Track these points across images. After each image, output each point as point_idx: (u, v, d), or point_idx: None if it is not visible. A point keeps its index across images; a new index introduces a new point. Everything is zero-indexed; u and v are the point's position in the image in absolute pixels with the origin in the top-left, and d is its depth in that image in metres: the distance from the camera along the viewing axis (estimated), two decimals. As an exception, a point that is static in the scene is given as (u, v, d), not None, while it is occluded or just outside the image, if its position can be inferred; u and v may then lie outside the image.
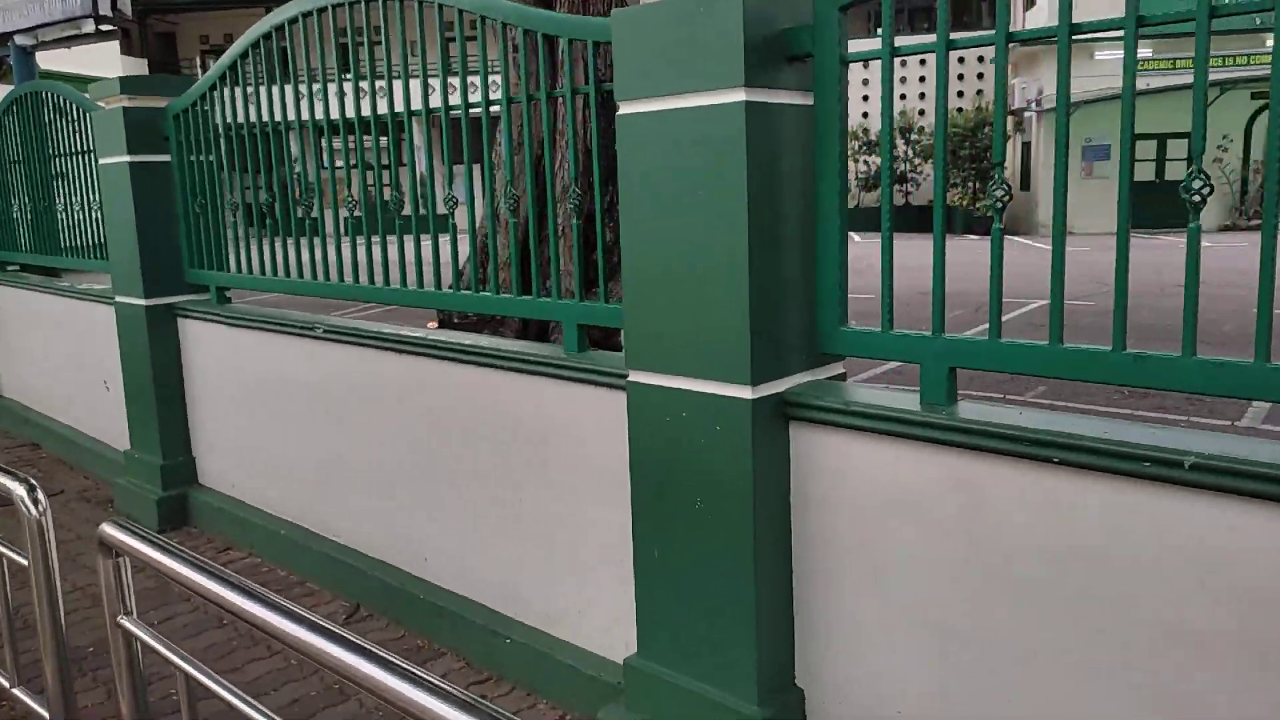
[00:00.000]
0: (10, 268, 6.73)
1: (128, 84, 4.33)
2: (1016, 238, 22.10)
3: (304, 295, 3.97)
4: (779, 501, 2.30)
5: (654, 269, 2.36)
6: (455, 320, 5.46)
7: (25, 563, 2.05)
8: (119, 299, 4.67)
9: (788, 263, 2.23)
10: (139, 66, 33.06)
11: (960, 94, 27.55)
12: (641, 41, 2.29)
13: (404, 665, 1.19)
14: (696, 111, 2.19)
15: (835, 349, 2.28)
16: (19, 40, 7.64)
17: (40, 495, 2.02)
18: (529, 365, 2.92)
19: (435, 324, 9.72)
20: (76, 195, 5.34)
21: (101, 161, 4.59)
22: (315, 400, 3.83)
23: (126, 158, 4.37)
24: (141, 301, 4.49)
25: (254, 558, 4.17)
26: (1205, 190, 1.71)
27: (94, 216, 5.18)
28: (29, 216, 6.11)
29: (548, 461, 2.92)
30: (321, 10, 3.50)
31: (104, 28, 7.16)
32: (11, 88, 10.84)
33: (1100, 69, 21.92)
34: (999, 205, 2.02)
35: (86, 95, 4.85)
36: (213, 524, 4.49)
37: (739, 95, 2.10)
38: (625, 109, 2.38)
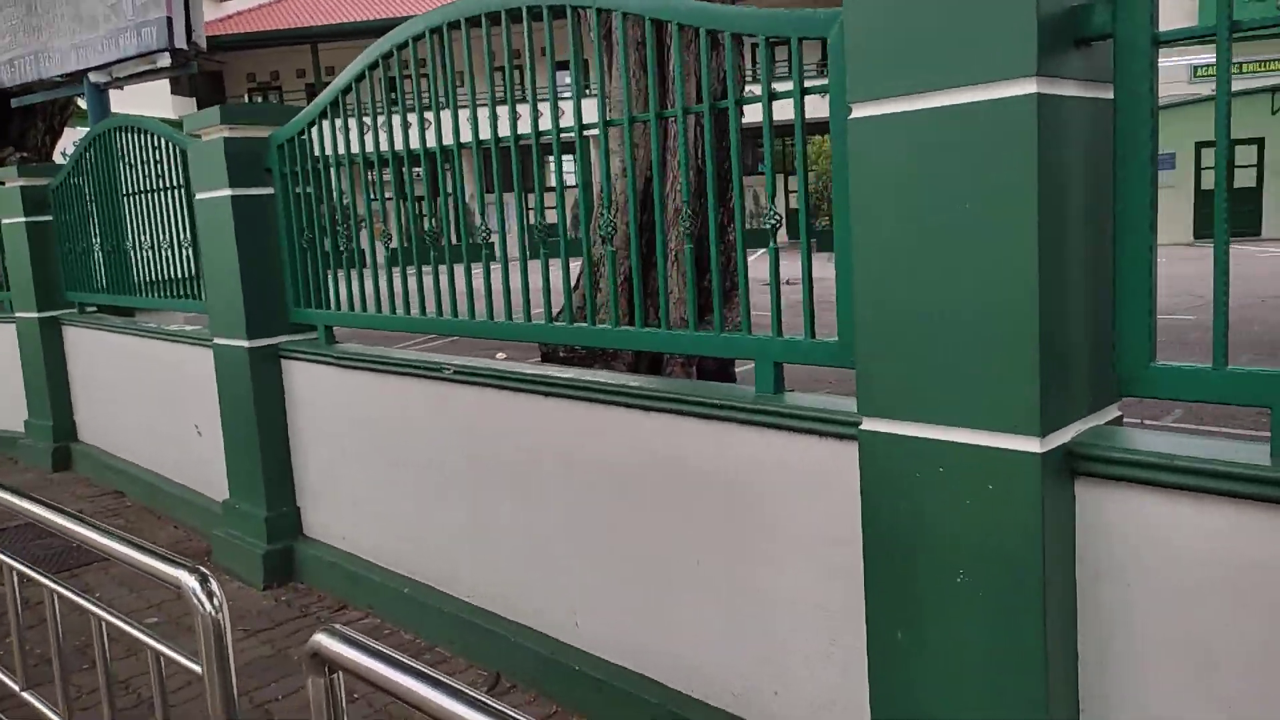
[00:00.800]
0: (88, 309, 6.54)
1: (228, 113, 4.08)
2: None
3: (421, 333, 3.68)
4: (1065, 576, 1.92)
5: (899, 298, 2.00)
6: (561, 354, 5.14)
7: (198, 670, 1.73)
8: (218, 340, 4.41)
9: (1081, 288, 1.86)
10: (189, 105, 33.54)
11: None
12: (888, 28, 1.95)
13: None
14: (966, 110, 1.83)
15: (1142, 391, 1.90)
16: (93, 78, 7.53)
17: (215, 588, 1.69)
18: (713, 410, 2.57)
19: (504, 355, 9.46)
20: (164, 233, 5.12)
21: (199, 196, 4.34)
22: (442, 447, 3.51)
23: (228, 191, 4.12)
24: (244, 343, 4.22)
25: (373, 618, 3.84)
26: None
27: (182, 255, 4.96)
28: (109, 256, 5.91)
29: (736, 520, 2.56)
30: (454, 25, 3.21)
31: (178, 60, 7.00)
32: (83, 129, 10.77)
33: (1162, 75, 21.35)
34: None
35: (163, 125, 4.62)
36: (323, 580, 4.18)
37: (1028, 87, 1.74)
38: (860, 112, 2.03)
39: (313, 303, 4.17)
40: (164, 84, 33.49)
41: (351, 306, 3.95)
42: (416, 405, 3.59)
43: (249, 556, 4.31)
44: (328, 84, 4.08)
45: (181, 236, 4.92)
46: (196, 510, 5.07)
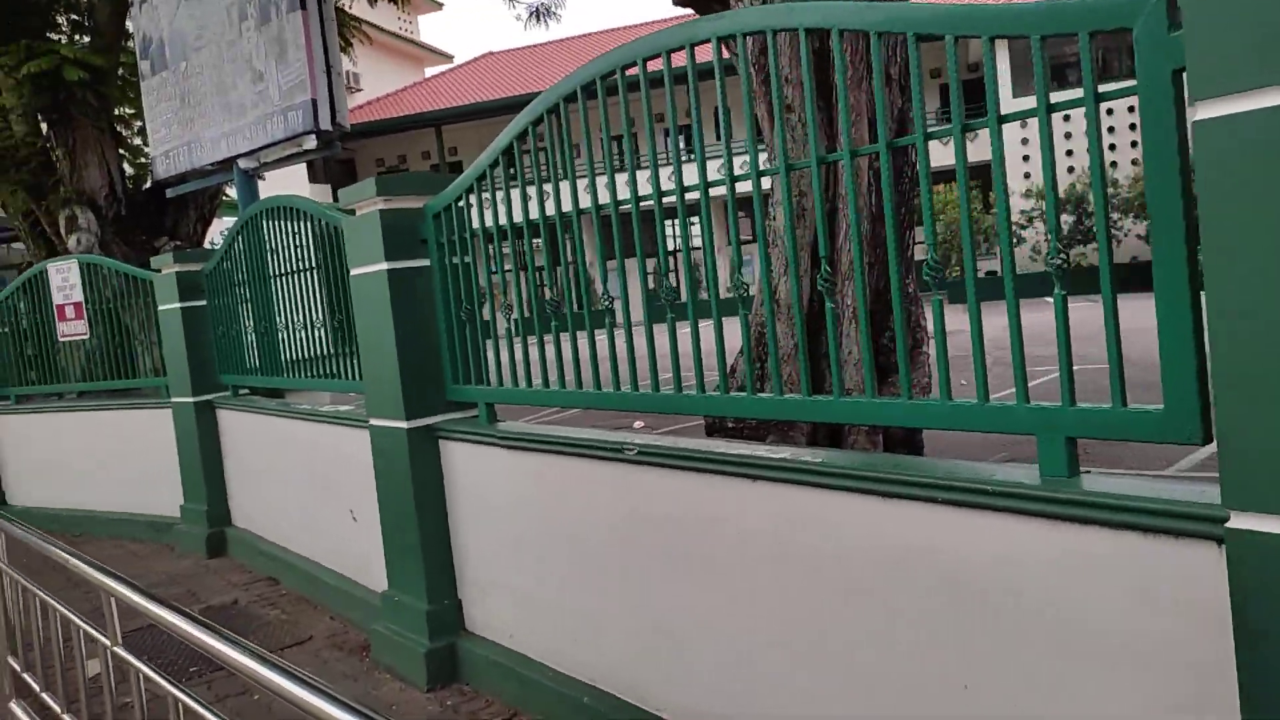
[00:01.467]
0: (241, 391, 6.52)
1: (384, 185, 3.88)
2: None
3: (583, 407, 3.33)
4: None
5: (1288, 353, 1.50)
6: (730, 424, 4.71)
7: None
8: (374, 422, 4.18)
9: None
10: (324, 193, 35.27)
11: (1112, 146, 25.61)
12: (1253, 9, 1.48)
13: None
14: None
15: None
16: (242, 164, 7.67)
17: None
18: (988, 498, 2.08)
19: (641, 424, 9.00)
20: (317, 313, 4.98)
21: (355, 272, 4.15)
22: (625, 537, 3.11)
23: (384, 265, 3.91)
24: (401, 424, 3.96)
25: (549, 730, 3.44)
26: None
27: (335, 334, 4.80)
28: (261, 338, 5.86)
29: (1021, 635, 2.05)
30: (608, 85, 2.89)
31: (322, 141, 7.03)
32: (229, 219, 11.13)
33: None
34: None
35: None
36: (489, 682, 3.81)
37: None
38: (1210, 111, 1.56)
39: (472, 378, 3.89)
40: (301, 174, 35.29)
41: (515, 381, 3.64)
42: (594, 490, 3.22)
43: (410, 654, 3.99)
44: (453, 164, 3.97)
45: (336, 315, 4.76)
46: (353, 601, 4.82)
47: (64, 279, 7.75)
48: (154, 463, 7.24)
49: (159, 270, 6.81)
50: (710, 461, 2.73)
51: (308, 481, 5.36)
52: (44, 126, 10.32)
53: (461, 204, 3.78)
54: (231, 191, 13.65)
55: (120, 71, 10.20)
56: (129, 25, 8.43)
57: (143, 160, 12.09)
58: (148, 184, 11.42)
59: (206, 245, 11.94)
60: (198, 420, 6.63)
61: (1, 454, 8.63)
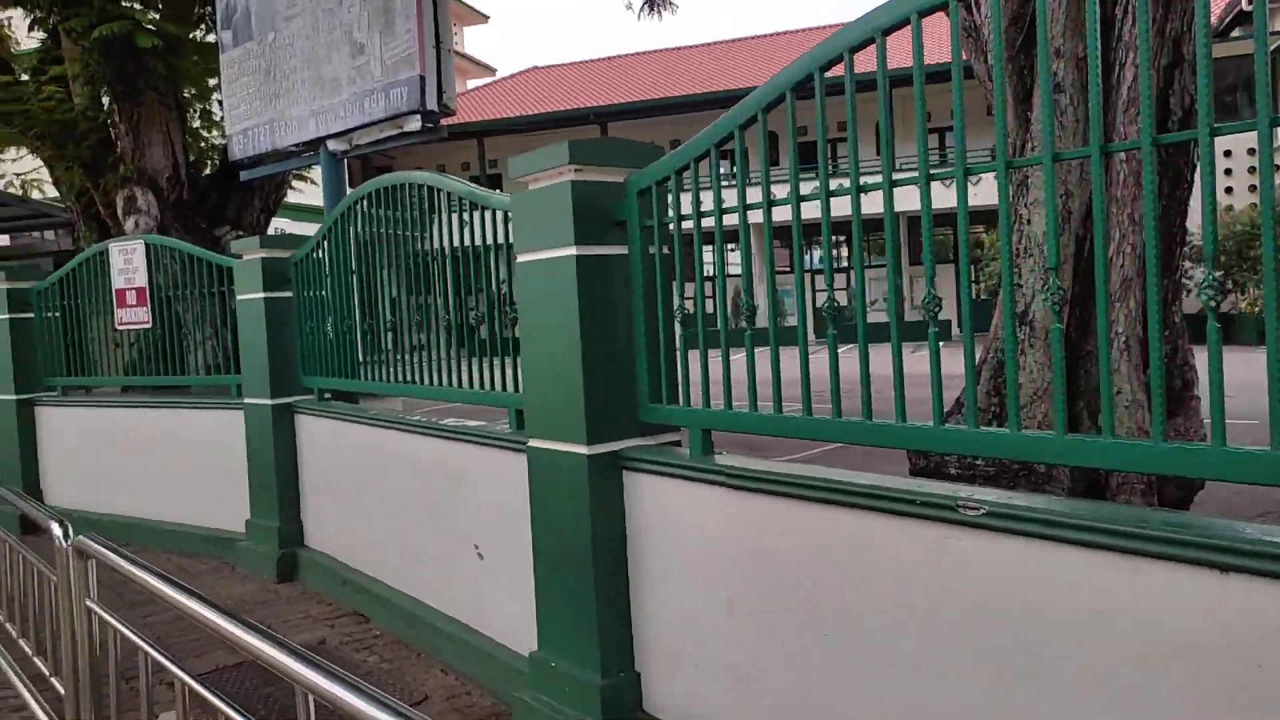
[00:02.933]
0: (325, 396, 5.76)
1: (579, 150, 3.12)
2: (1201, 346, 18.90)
3: (805, 439, 2.55)
4: None
5: None
6: (953, 470, 3.90)
7: None
8: (537, 443, 3.40)
9: None
10: (359, 197, 34.75)
11: (1229, 189, 24.70)
12: None
13: None
14: None
15: None
16: (332, 146, 6.99)
17: None
18: None
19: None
20: (444, 309, 4.23)
21: (523, 259, 3.39)
22: (936, 629, 2.30)
23: (572, 249, 3.14)
24: (581, 449, 3.19)
25: None
26: None
27: (455, 337, 4.05)
28: (365, 337, 5.11)
29: None
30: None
31: (428, 122, 6.32)
32: (283, 221, 10.38)
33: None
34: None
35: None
36: (684, 784, 3.01)
37: None
38: None
39: (679, 398, 3.11)
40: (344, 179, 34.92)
41: (728, 403, 2.86)
42: (879, 555, 2.41)
43: (575, 740, 3.19)
44: (492, 176, 3.39)
45: (476, 310, 4.01)
46: (475, 655, 4.02)
47: (127, 260, 7.04)
48: (217, 470, 6.48)
49: (239, 255, 6.08)
50: (1151, 540, 1.92)
51: (416, 506, 4.57)
52: (105, 100, 9.68)
53: (677, 180, 3.03)
54: (310, 178, 13.05)
55: (191, 43, 9.57)
56: (213, -9, 7.77)
57: (204, 144, 11.46)
58: (208, 170, 10.79)
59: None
60: (275, 425, 5.87)
61: (42, 450, 7.89)
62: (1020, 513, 2.08)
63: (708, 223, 2.98)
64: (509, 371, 3.86)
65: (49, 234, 20.94)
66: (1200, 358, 2.59)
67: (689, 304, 3.11)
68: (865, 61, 2.45)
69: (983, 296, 25.87)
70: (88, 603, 2.68)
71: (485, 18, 45.22)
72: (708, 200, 2.91)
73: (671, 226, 3.08)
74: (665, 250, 3.24)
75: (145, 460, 7.00)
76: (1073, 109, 3.69)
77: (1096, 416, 3.67)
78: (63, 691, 3.03)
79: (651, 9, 9.97)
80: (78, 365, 7.65)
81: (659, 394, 3.19)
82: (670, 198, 3.11)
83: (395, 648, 4.55)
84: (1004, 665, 2.14)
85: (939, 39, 16.30)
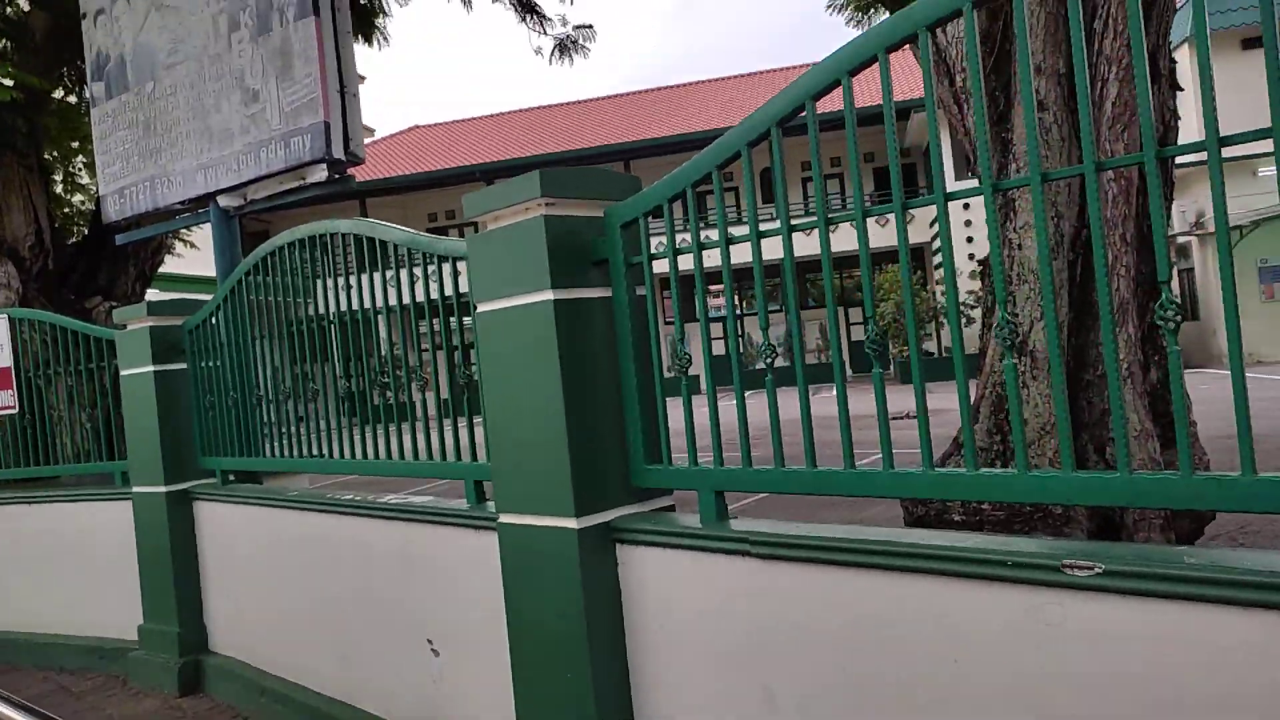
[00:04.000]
0: (229, 479, 5.12)
1: (551, 181, 2.74)
2: (1192, 369, 20.04)
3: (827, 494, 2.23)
4: None
5: None
6: (956, 517, 3.61)
7: None
8: (510, 519, 2.94)
9: None
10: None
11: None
12: None
13: None
14: None
15: None
16: (223, 201, 6.41)
17: None
18: None
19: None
20: (381, 371, 3.75)
21: (485, 308, 2.97)
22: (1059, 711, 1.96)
23: (548, 294, 2.74)
24: (569, 523, 2.75)
25: None
26: None
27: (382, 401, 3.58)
28: (278, 409, 4.55)
29: None
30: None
31: (336, 175, 5.84)
32: (164, 293, 9.71)
33: (1265, 185, 20.41)
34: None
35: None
36: None
37: None
38: None
39: (666, 457, 2.73)
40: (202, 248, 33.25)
41: (746, 459, 2.50)
42: (959, 632, 2.07)
43: None
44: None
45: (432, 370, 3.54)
46: (438, 770, 3.48)
47: (-13, 338, 6.22)
48: (101, 570, 5.69)
49: (121, 325, 5.41)
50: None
51: (352, 599, 4.01)
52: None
53: (668, 211, 2.68)
54: (190, 242, 12.17)
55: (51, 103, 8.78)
56: (85, 41, 7.08)
57: (67, 209, 10.55)
58: (74, 238, 9.91)
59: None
60: (170, 516, 5.17)
61: (-115, 559, 6.84)
62: (1143, 569, 1.77)
63: (690, 261, 2.64)
64: (464, 438, 3.40)
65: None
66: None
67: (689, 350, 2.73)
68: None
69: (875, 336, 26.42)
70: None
71: (362, 78, 44.52)
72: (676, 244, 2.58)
73: (667, 262, 2.72)
74: (655, 292, 2.88)
75: (15, 564, 6.12)
76: (1057, 127, 3.54)
77: (1103, 450, 3.47)
78: None
79: (563, 54, 9.74)
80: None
81: (656, 454, 2.80)
82: (669, 226, 2.77)
83: (334, 766, 3.93)
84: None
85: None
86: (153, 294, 11.64)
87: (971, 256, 25.21)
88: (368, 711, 3.95)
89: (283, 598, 4.52)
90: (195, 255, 14.83)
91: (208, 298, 5.25)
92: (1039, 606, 1.93)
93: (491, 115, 40.06)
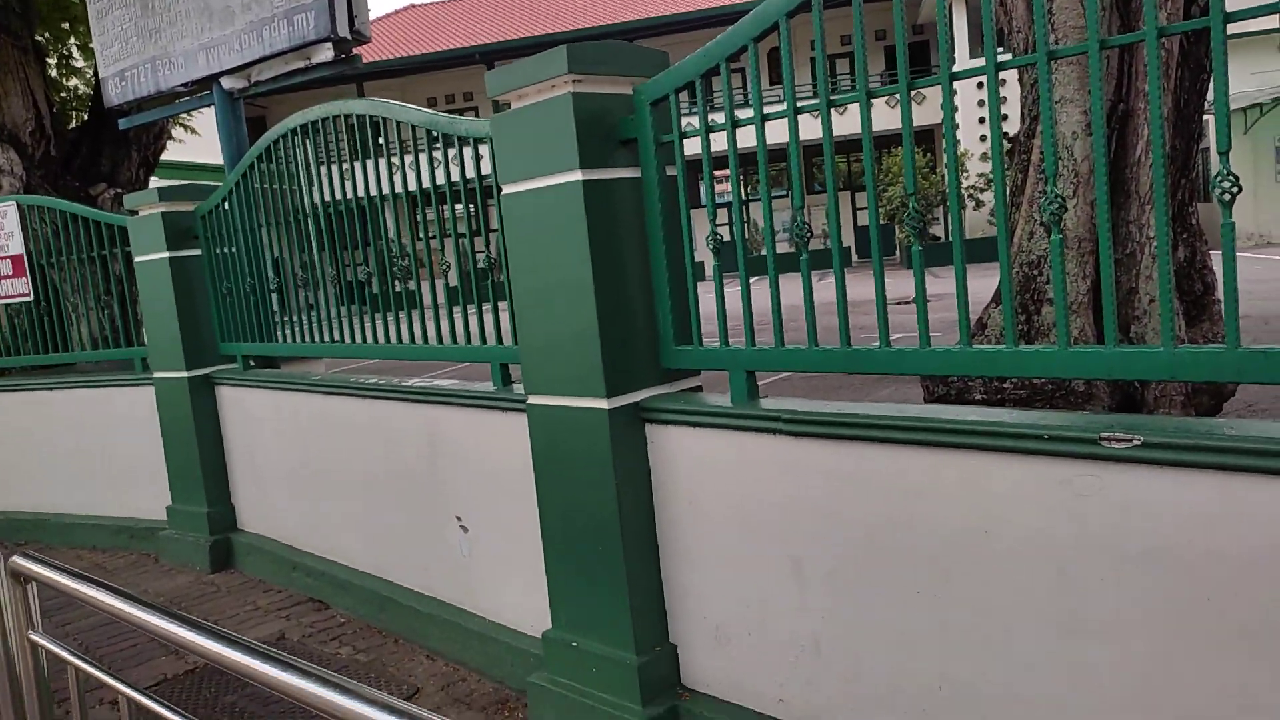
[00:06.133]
0: (251, 363, 5.16)
1: (579, 56, 2.67)
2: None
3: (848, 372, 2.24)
4: None
5: None
6: (979, 396, 3.65)
7: None
8: (539, 400, 2.98)
9: None
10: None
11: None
12: None
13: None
14: None
15: None
16: (226, 83, 6.23)
17: None
18: None
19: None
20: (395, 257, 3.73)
21: (510, 190, 2.93)
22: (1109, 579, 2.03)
23: (576, 174, 2.71)
24: (600, 403, 2.79)
25: None
26: None
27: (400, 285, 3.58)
28: (295, 294, 4.55)
29: None
30: None
31: (342, 55, 5.67)
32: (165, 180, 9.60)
33: (1288, 63, 19.84)
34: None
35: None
36: (745, 766, 2.70)
37: None
38: None
39: (694, 339, 2.74)
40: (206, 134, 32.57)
41: (778, 339, 2.52)
42: (993, 505, 2.12)
43: (612, 726, 2.85)
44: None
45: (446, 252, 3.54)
46: (471, 639, 3.62)
47: (-3, 225, 6.17)
48: (128, 454, 5.80)
49: (134, 212, 5.37)
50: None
51: (381, 480, 4.10)
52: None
53: (702, 87, 2.62)
54: (192, 127, 11.96)
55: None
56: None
57: (64, 95, 10.32)
58: (74, 124, 9.72)
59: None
60: (193, 400, 5.24)
61: (-87, 445, 6.97)
62: (1184, 440, 1.80)
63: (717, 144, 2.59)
64: (490, 322, 3.42)
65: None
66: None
67: (722, 230, 2.71)
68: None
69: (883, 221, 26.13)
70: (32, 636, 2.17)
71: (353, -44, 42.72)
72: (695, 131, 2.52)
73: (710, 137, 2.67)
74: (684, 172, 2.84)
75: (41, 449, 6.24)
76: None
77: (1127, 328, 3.48)
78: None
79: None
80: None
81: (686, 335, 2.82)
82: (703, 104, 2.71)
83: (367, 635, 4.10)
84: (1175, 620, 1.87)
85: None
86: (156, 182, 11.52)
87: (983, 139, 24.68)
88: (400, 584, 4.09)
89: (310, 478, 4.62)
90: (196, 142, 14.57)
91: (214, 184, 5.19)
92: (1073, 478, 1.97)
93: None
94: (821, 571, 2.48)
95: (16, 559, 2.14)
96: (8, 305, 6.43)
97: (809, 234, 2.41)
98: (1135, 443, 1.84)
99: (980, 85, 23.24)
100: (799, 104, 2.39)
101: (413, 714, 1.17)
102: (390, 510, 4.08)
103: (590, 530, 2.89)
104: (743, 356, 2.63)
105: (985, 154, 23.75)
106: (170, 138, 9.76)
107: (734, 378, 2.66)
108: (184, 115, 9.86)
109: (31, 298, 6.16)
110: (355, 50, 5.79)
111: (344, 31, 5.63)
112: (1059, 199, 1.96)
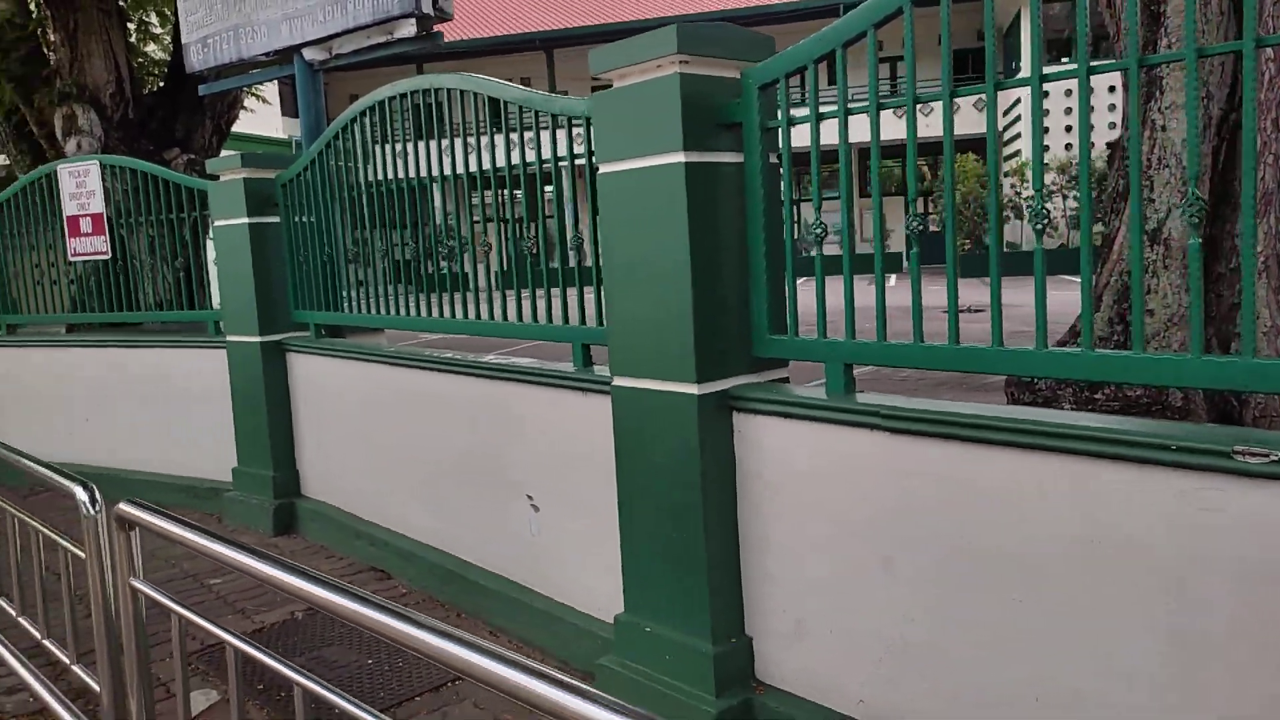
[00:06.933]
0: (323, 332, 5.21)
1: (689, 36, 2.63)
2: None
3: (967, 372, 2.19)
4: None
5: None
6: (1068, 405, 3.57)
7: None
8: (626, 382, 2.96)
9: None
10: (294, 127, 33.01)
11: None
12: None
13: None
14: None
15: None
16: (308, 54, 6.29)
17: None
18: None
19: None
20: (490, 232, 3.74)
21: (607, 169, 2.91)
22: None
23: (679, 156, 2.68)
24: (690, 389, 2.77)
25: None
26: None
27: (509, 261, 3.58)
28: (376, 265, 4.59)
29: None
30: None
31: (424, 32, 5.70)
32: (227, 147, 9.73)
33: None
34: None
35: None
36: (819, 762, 2.67)
37: None
38: None
39: (790, 328, 2.70)
40: (275, 102, 32.98)
41: (881, 333, 2.47)
42: (1108, 514, 2.06)
43: (686, 710, 2.83)
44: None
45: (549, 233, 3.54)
46: (538, 618, 3.63)
47: (80, 184, 6.30)
48: (196, 415, 5.90)
49: (216, 177, 5.44)
50: None
51: (451, 454, 4.12)
52: (33, 7, 8.72)
53: (814, 73, 2.58)
54: (263, 96, 12.10)
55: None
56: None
57: (140, 60, 10.50)
58: (149, 89, 9.89)
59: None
60: (264, 365, 5.31)
61: (-12, 395, 7.16)
62: (1320, 460, 1.73)
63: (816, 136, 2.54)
64: (573, 301, 3.41)
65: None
66: None
67: (826, 220, 2.67)
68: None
69: (933, 229, 25.81)
70: (134, 583, 2.21)
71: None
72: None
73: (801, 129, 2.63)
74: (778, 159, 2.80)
75: (108, 405, 6.37)
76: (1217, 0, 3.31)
77: (1227, 345, 3.38)
78: (94, 686, 2.56)
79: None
80: (22, 303, 6.93)
81: (780, 324, 2.78)
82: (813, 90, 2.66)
83: (429, 608, 4.13)
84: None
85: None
86: (227, 150, 11.72)
87: (1068, 147, 24.12)
88: (465, 559, 4.11)
89: (377, 448, 4.66)
90: (258, 115, 14.72)
91: (288, 155, 5.24)
92: (1195, 491, 1.91)
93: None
94: (913, 571, 2.44)
95: (123, 505, 2.18)
96: (85, 263, 6.55)
97: (922, 228, 2.36)
98: (1272, 458, 1.78)
99: (1069, 93, 22.68)
100: (918, 93, 2.33)
101: (540, 671, 1.19)
102: (458, 485, 4.10)
103: (672, 515, 2.88)
104: (842, 349, 2.59)
105: (1062, 164, 23.25)
106: (243, 107, 9.90)
107: (831, 370, 2.63)
108: (255, 86, 9.99)
109: (109, 256, 6.28)
110: (436, 27, 5.82)
111: (427, 8, 5.66)
112: (1200, 201, 1.89)
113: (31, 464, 2.85)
